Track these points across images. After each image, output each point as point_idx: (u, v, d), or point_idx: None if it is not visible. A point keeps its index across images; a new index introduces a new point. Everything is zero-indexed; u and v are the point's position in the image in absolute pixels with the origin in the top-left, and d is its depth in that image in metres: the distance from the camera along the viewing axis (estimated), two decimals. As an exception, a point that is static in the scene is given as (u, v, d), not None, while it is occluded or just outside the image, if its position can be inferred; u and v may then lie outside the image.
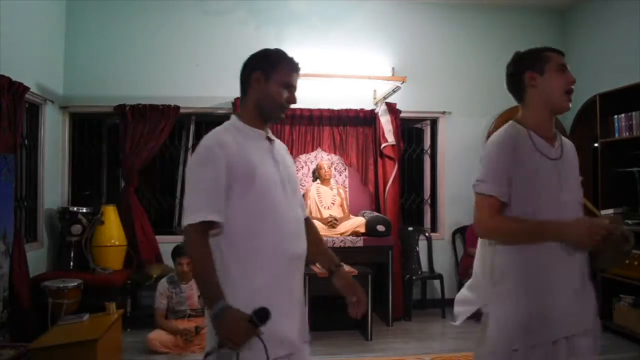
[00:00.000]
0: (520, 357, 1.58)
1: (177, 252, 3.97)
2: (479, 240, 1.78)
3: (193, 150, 5.13)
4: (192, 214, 1.47)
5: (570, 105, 1.72)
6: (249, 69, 1.66)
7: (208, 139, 1.55)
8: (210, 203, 1.47)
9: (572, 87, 1.71)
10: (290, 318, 1.58)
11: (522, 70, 1.80)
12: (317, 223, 4.47)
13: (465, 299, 1.84)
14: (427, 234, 5.16)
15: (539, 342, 1.59)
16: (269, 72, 1.63)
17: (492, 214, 1.64)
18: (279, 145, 1.72)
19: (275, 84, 1.62)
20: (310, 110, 4.98)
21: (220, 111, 5.04)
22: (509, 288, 1.64)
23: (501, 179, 1.64)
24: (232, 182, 1.49)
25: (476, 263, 1.79)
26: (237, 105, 4.84)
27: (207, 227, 1.48)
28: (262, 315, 1.41)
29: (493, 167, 1.67)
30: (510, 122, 1.78)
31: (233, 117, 1.67)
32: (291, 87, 1.65)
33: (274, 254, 1.54)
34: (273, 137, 1.69)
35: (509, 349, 1.60)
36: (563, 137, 1.85)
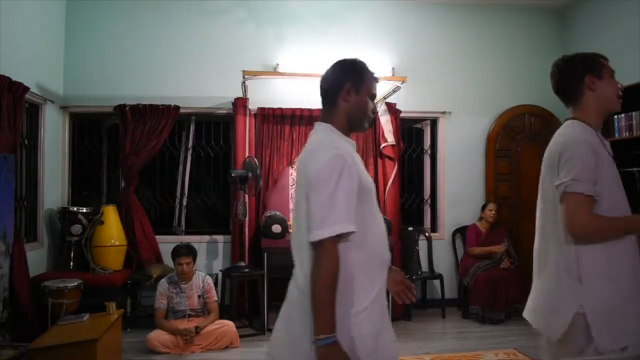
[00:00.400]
0: (631, 354, 1.56)
1: (177, 252, 3.97)
2: (554, 242, 1.73)
3: (193, 150, 5.14)
4: (331, 226, 1.39)
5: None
6: (339, 80, 1.68)
7: (336, 148, 1.50)
8: (349, 214, 1.42)
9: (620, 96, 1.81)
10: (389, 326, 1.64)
11: (582, 73, 1.82)
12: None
13: (554, 308, 1.70)
14: (427, 234, 5.16)
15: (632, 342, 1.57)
16: (359, 83, 1.65)
17: (592, 213, 1.64)
18: None
19: (364, 95, 1.65)
20: (310, 110, 4.98)
21: (220, 111, 5.04)
22: (606, 286, 1.62)
23: (593, 179, 1.66)
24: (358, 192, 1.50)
25: (553, 266, 1.72)
26: (237, 105, 4.84)
27: (339, 240, 1.42)
28: None
29: (585, 167, 1.65)
30: (577, 122, 1.82)
31: (329, 127, 1.65)
32: (374, 97, 1.70)
33: (380, 261, 1.56)
34: None
35: (617, 347, 1.57)
36: None
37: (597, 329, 1.58)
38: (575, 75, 1.83)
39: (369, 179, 1.58)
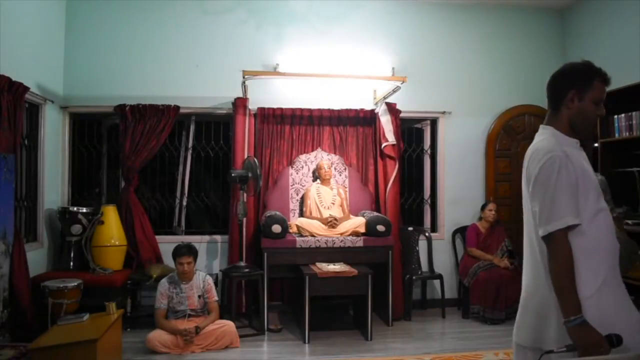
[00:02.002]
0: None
1: (178, 252, 3.97)
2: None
3: (193, 150, 5.14)
4: (559, 219, 1.54)
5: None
6: (563, 87, 1.69)
7: (551, 151, 1.61)
8: (573, 207, 1.56)
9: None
10: (631, 311, 1.65)
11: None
12: (317, 223, 4.49)
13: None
14: (427, 234, 5.16)
15: None
16: (583, 90, 1.66)
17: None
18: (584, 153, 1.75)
19: (589, 102, 1.65)
20: (310, 110, 4.98)
21: (220, 111, 5.04)
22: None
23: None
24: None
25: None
26: (237, 105, 4.84)
27: (567, 232, 1.56)
28: (619, 338, 1.47)
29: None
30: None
31: (552, 130, 1.72)
32: (600, 102, 1.68)
33: (605, 251, 1.63)
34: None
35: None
36: None
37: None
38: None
39: (589, 176, 1.64)
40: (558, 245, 1.55)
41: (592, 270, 1.58)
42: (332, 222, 4.49)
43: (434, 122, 5.49)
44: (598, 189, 1.64)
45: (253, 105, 4.91)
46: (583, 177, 1.61)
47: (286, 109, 4.95)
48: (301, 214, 4.81)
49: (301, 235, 4.46)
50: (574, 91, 1.66)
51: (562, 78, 1.72)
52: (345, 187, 4.97)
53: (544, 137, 1.71)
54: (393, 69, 5.22)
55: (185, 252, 3.95)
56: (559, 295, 1.53)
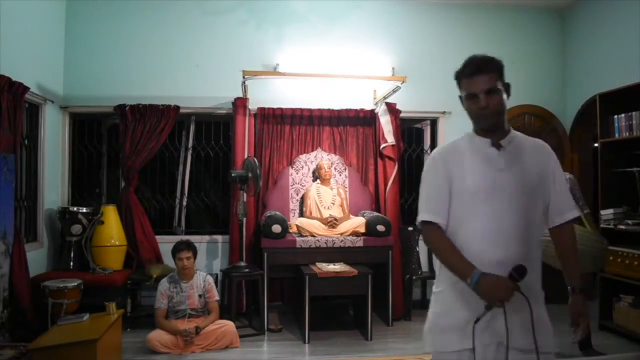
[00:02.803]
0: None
1: (177, 248, 3.98)
2: None
3: (193, 150, 5.14)
4: (419, 214, 1.71)
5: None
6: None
7: (435, 152, 1.79)
8: (431, 206, 1.70)
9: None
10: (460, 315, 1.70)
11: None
12: (317, 223, 4.48)
13: None
14: (427, 234, 5.14)
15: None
16: (460, 90, 1.70)
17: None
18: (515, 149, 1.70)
19: (465, 99, 1.69)
20: (310, 110, 4.98)
21: (220, 111, 5.04)
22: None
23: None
24: None
25: None
26: (237, 105, 4.85)
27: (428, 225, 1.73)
28: (520, 271, 1.52)
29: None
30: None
31: (470, 132, 1.75)
32: (475, 95, 1.63)
33: (471, 258, 1.64)
34: (507, 143, 1.68)
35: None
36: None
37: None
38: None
39: (473, 180, 1.65)
40: (424, 234, 1.71)
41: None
42: (332, 222, 4.49)
43: (434, 122, 5.49)
44: (480, 193, 1.63)
45: (253, 105, 4.91)
46: (460, 181, 1.65)
47: (286, 109, 4.96)
48: (301, 214, 4.81)
49: (301, 235, 4.46)
50: (459, 87, 1.71)
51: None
52: (345, 187, 4.97)
53: (453, 140, 1.79)
54: (393, 69, 5.22)
55: (184, 247, 3.96)
56: (451, 271, 1.63)
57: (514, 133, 1.73)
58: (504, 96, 1.66)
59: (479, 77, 1.62)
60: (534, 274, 1.63)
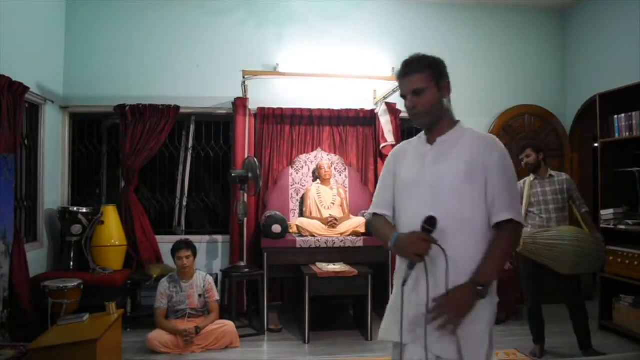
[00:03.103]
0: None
1: (176, 247, 3.98)
2: None
3: (193, 150, 5.14)
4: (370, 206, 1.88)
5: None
6: None
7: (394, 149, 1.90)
8: (378, 199, 1.86)
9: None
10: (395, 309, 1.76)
11: None
12: (317, 223, 4.48)
13: None
14: (427, 234, 5.14)
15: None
16: None
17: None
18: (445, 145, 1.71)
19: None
20: (310, 110, 4.98)
21: (220, 111, 5.04)
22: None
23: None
24: None
25: None
26: (237, 105, 4.85)
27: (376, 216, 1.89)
28: (431, 221, 1.56)
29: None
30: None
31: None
32: (406, 96, 1.72)
33: None
34: (443, 140, 1.71)
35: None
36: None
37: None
38: None
39: (406, 175, 1.75)
40: (371, 223, 1.89)
41: (400, 263, 1.75)
42: (332, 222, 4.49)
43: (434, 122, 5.48)
44: (409, 188, 1.71)
45: (253, 105, 4.91)
46: (401, 178, 1.77)
47: (286, 109, 4.96)
48: (301, 214, 4.81)
49: (301, 235, 4.46)
50: None
51: None
52: (345, 187, 4.97)
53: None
54: (393, 69, 5.21)
55: (184, 246, 3.97)
56: (383, 244, 1.76)
57: (461, 129, 1.74)
58: (437, 95, 1.68)
59: (405, 78, 1.69)
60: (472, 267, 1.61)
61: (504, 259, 1.68)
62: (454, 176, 1.63)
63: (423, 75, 1.66)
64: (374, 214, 1.84)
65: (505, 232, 1.63)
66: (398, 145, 1.90)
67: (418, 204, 1.66)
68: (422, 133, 1.78)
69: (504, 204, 1.62)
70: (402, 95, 1.72)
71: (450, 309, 1.55)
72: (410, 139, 1.87)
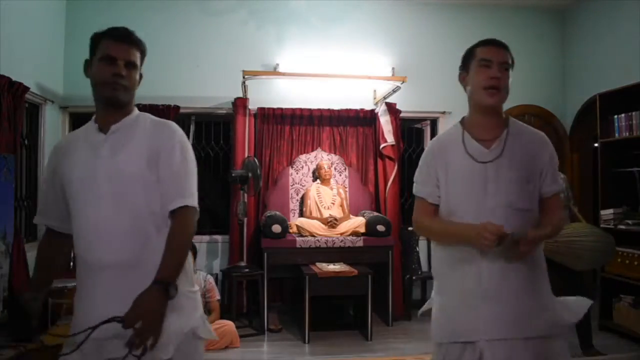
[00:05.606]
0: (442, 351, 1.68)
1: None
2: None
3: (193, 150, 5.13)
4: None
5: (492, 100, 1.64)
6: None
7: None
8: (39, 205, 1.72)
9: (494, 82, 1.63)
10: None
11: (460, 71, 1.82)
12: (317, 223, 4.49)
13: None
14: (427, 234, 5.15)
15: (448, 341, 1.65)
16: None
17: (422, 213, 1.74)
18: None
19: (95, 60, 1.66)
20: (310, 110, 4.98)
21: (220, 111, 5.04)
22: (439, 283, 1.78)
23: (429, 181, 1.70)
24: None
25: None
26: (237, 105, 4.84)
27: None
28: None
29: (423, 170, 1.75)
30: (458, 122, 1.81)
31: None
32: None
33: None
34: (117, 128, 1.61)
35: (445, 341, 1.68)
36: (525, 133, 1.71)
37: (433, 322, 1.76)
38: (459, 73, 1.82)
39: (70, 172, 1.53)
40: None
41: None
42: (332, 222, 4.49)
43: (434, 122, 5.49)
44: (79, 188, 1.52)
45: (253, 105, 4.91)
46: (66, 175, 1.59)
47: (286, 109, 4.96)
48: (301, 214, 4.81)
49: (301, 235, 4.45)
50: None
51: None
52: (345, 187, 4.97)
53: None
54: (393, 69, 5.22)
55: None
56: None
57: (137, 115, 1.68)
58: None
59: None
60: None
61: (187, 248, 1.57)
62: (130, 168, 1.57)
63: (134, 50, 1.61)
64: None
65: (176, 220, 1.56)
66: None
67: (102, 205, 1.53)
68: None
69: (177, 192, 1.60)
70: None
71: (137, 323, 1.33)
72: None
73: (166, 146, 1.57)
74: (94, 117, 1.63)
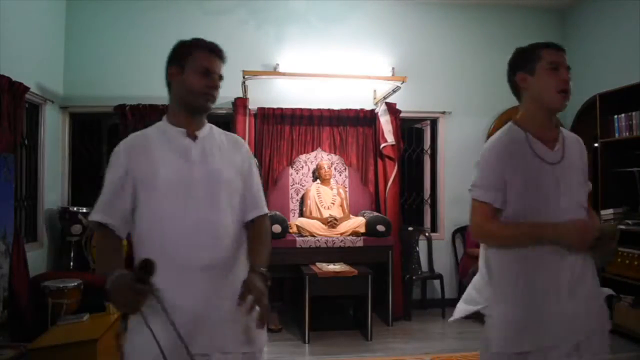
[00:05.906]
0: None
1: None
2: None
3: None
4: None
5: (566, 104, 1.67)
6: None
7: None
8: (101, 205, 1.67)
9: (566, 86, 1.66)
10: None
11: (514, 71, 1.77)
12: (317, 223, 4.49)
13: (470, 297, 1.81)
14: (427, 234, 5.16)
15: (531, 349, 1.57)
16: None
17: (486, 219, 1.65)
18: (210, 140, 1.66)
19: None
20: (310, 110, 4.98)
21: (220, 111, 5.03)
22: (505, 290, 1.65)
23: (495, 185, 1.64)
24: None
25: (480, 263, 1.77)
26: (237, 105, 4.85)
27: None
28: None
29: (487, 173, 1.68)
30: (509, 124, 1.75)
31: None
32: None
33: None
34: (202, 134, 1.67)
35: (509, 351, 1.59)
36: (568, 135, 1.76)
37: (491, 329, 1.66)
38: (510, 73, 1.80)
39: (154, 173, 1.54)
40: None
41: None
42: (332, 222, 4.49)
43: (434, 122, 5.49)
44: (157, 185, 1.56)
45: (253, 105, 4.91)
46: (133, 170, 1.65)
47: (286, 109, 4.96)
48: (301, 214, 4.81)
49: (301, 235, 4.46)
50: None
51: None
52: (345, 187, 4.97)
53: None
54: (393, 69, 5.22)
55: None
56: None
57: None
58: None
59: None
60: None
61: (270, 246, 1.75)
62: (222, 175, 1.63)
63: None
64: (98, 224, 1.56)
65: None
66: (129, 137, 1.74)
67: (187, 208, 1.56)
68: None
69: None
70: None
71: (258, 298, 1.44)
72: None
73: (249, 161, 1.70)
74: (169, 120, 1.71)
